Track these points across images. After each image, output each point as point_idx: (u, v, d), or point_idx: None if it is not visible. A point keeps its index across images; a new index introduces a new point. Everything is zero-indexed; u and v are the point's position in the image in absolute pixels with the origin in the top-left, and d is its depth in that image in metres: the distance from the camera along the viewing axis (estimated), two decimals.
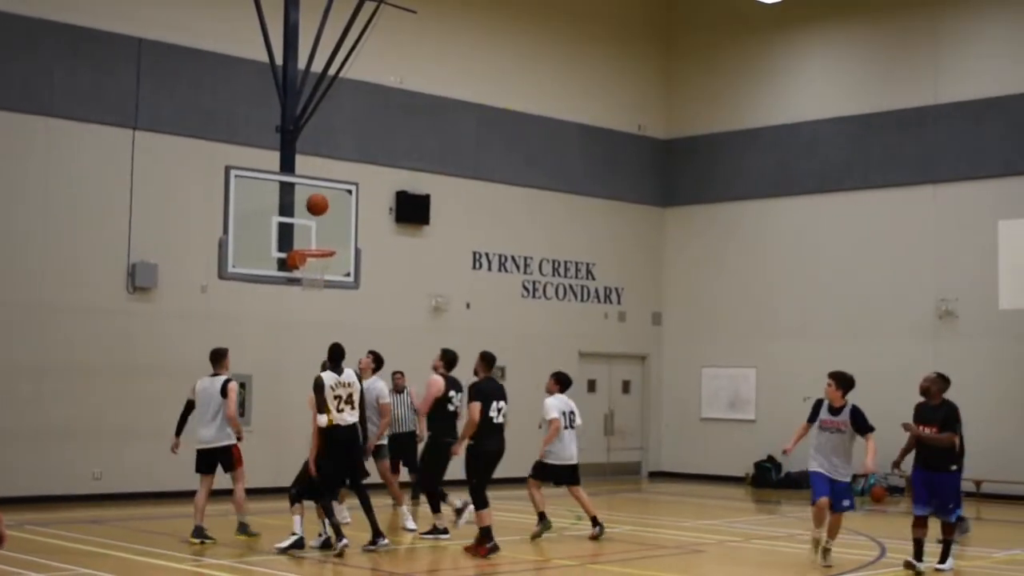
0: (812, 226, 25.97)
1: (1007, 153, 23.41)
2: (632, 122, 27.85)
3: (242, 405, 18.43)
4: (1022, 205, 22.12)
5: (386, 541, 14.82)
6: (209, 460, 15.52)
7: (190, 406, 15.64)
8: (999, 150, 23.53)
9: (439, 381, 15.75)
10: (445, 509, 16.09)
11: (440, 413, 15.79)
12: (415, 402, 18.75)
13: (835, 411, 13.90)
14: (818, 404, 14.05)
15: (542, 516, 16.33)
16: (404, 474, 20.26)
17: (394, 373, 19.61)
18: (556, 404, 16.50)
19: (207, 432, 15.44)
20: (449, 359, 16.05)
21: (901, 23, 25.06)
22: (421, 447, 17.20)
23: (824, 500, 13.88)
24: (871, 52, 25.63)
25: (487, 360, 15.29)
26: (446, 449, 15.55)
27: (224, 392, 15.38)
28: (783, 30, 26.71)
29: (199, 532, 15.22)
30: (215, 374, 15.61)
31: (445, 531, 15.88)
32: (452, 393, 15.82)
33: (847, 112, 25.66)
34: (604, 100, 27.32)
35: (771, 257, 26.52)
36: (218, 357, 15.74)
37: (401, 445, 19.90)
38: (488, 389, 14.94)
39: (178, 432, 15.68)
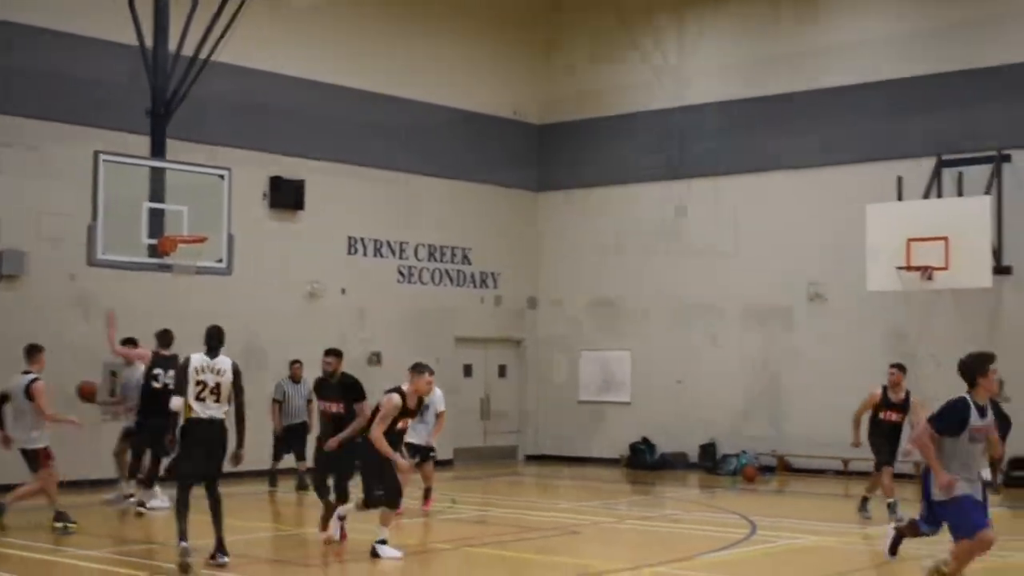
0: (685, 210, 26.26)
1: (874, 138, 23.90)
2: (507, 107, 27.92)
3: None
4: (889, 189, 22.63)
5: (226, 559, 12.37)
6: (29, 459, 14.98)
7: (4, 399, 15.02)
8: (866, 135, 24.01)
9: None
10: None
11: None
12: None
13: (985, 411, 10.25)
14: (961, 406, 10.14)
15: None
16: (291, 461, 20.22)
17: (292, 362, 19.59)
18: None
19: (16, 433, 14.95)
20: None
21: (775, 10, 25.34)
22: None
23: (990, 534, 10.15)
24: (741, 39, 25.96)
25: (339, 355, 14.66)
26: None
27: (28, 394, 14.71)
28: (658, 16, 26.91)
29: (61, 517, 14.76)
30: (27, 371, 14.93)
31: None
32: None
33: (719, 98, 25.97)
34: (479, 85, 27.32)
35: (644, 241, 26.76)
36: (31, 353, 15.07)
37: (293, 435, 19.99)
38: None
39: (2, 426, 15.12)
